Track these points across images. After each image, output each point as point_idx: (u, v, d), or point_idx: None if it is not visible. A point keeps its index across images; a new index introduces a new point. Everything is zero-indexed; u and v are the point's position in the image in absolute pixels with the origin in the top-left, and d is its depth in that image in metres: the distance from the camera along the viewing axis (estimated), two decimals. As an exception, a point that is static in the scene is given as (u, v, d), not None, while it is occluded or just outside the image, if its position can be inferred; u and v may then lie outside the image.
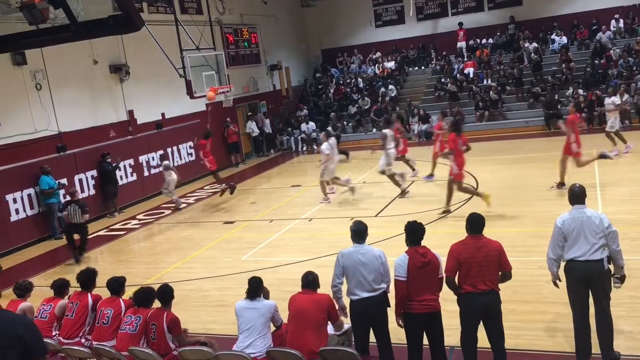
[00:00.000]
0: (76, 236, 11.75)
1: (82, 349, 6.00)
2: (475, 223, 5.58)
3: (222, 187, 15.80)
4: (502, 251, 5.52)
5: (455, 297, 5.66)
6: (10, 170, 13.01)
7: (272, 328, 5.81)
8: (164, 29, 15.10)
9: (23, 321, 3.46)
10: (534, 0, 23.72)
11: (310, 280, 5.69)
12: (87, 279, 6.65)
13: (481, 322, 5.59)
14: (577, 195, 5.73)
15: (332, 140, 14.16)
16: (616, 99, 15.66)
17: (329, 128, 16.04)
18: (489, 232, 5.72)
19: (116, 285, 6.46)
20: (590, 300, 5.67)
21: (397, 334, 5.86)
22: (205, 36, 15.95)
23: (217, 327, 7.28)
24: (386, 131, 13.66)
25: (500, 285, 5.57)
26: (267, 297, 5.98)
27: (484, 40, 24.64)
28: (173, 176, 14.79)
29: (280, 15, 24.67)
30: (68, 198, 12.16)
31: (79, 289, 6.67)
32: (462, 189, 11.71)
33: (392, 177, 13.49)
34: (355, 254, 5.68)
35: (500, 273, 5.54)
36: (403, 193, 13.42)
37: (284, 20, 25.29)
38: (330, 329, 5.73)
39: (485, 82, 22.97)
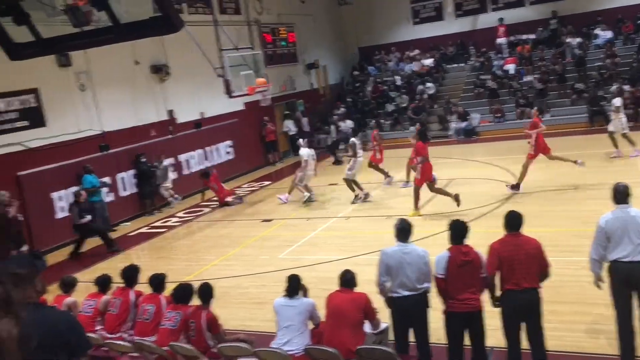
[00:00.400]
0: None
1: (124, 343, 6.15)
2: (513, 221, 5.51)
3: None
4: (541, 248, 5.45)
5: (491, 297, 5.59)
6: (55, 169, 13.40)
7: (311, 326, 5.84)
8: (203, 30, 15.29)
9: (66, 318, 3.55)
10: (577, -6, 23.13)
11: (347, 279, 5.69)
12: (130, 275, 6.81)
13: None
14: (622, 194, 5.59)
15: (312, 151, 14.61)
16: (617, 101, 15.20)
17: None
18: (530, 231, 5.63)
19: (157, 281, 6.60)
20: (635, 301, 5.54)
21: (438, 334, 5.82)
22: (244, 36, 16.11)
23: (256, 324, 7.35)
24: (354, 140, 14.48)
25: (543, 285, 5.48)
26: (306, 295, 6.01)
27: (524, 36, 24.13)
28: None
29: (317, 14, 24.70)
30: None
31: (122, 285, 6.85)
32: (435, 190, 12.22)
33: (349, 182, 13.89)
34: (399, 252, 5.67)
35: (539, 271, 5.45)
36: (356, 198, 13.84)
37: (321, 19, 25.31)
38: (367, 327, 5.73)
39: (526, 78, 22.53)
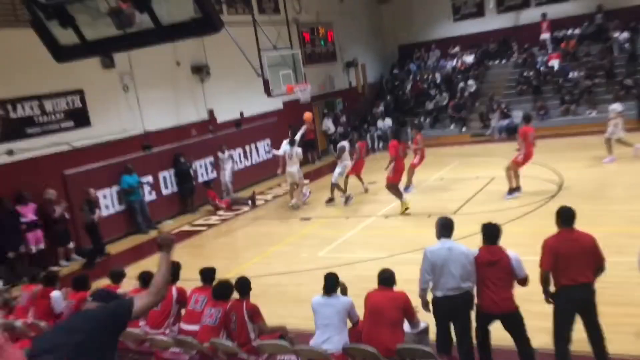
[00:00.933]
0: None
1: (165, 338, 6.25)
2: (567, 216, 5.52)
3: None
4: (596, 243, 5.44)
5: (544, 292, 5.55)
6: (100, 168, 13.74)
7: (349, 325, 5.82)
8: (243, 30, 15.41)
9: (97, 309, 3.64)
10: (624, -13, 22.38)
11: (386, 277, 5.66)
12: (173, 272, 6.91)
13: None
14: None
15: (297, 149, 14.39)
16: (618, 106, 14.92)
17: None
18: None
19: (208, 275, 6.76)
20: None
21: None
22: (282, 35, 16.16)
23: (295, 321, 7.36)
24: (344, 143, 14.65)
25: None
26: (344, 293, 5.99)
27: (569, 31, 23.49)
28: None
29: (356, 12, 24.62)
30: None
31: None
32: (393, 191, 12.57)
33: (336, 186, 14.09)
34: (442, 249, 5.66)
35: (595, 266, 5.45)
36: (330, 201, 14.16)
37: (360, 17, 25.21)
38: (406, 327, 5.68)
39: (571, 74, 21.95)
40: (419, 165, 14.45)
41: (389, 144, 13.07)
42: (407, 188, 14.04)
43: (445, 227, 5.79)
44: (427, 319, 5.96)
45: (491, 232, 5.57)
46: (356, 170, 14.83)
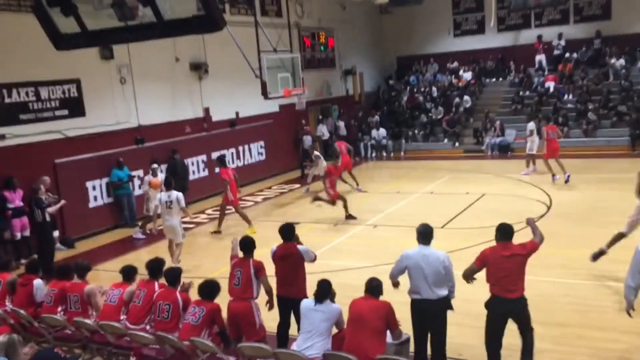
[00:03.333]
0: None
1: (146, 335, 6.21)
2: (504, 232, 5.84)
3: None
4: (526, 259, 5.73)
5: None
6: (91, 159, 13.67)
7: (335, 330, 5.80)
8: (244, 30, 15.43)
9: None
10: (623, 15, 22.61)
11: (374, 286, 5.67)
12: (156, 267, 6.88)
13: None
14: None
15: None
16: (532, 125, 16.84)
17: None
18: (562, 252, 5.54)
19: (172, 276, 6.61)
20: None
21: (460, 350, 5.74)
22: (283, 38, 16.18)
23: (276, 325, 7.32)
24: (317, 153, 15.02)
25: (570, 310, 5.42)
26: (332, 299, 5.99)
27: (566, 54, 23.70)
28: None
29: (357, 21, 24.70)
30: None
31: (147, 278, 6.91)
32: (239, 212, 13.13)
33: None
34: (418, 255, 5.88)
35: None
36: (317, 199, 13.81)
37: (361, 26, 25.29)
38: (388, 337, 5.68)
39: (566, 97, 22.13)
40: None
41: (220, 171, 13.15)
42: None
43: (423, 234, 6.00)
44: (409, 327, 5.98)
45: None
46: (343, 169, 14.89)
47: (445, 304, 5.85)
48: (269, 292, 6.52)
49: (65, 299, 7.03)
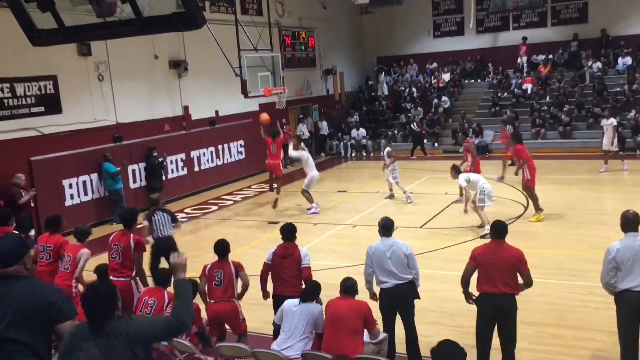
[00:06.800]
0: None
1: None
2: (497, 230, 5.88)
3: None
4: (522, 258, 5.72)
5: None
6: (68, 157, 13.48)
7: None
8: (224, 28, 15.36)
9: (45, 289, 3.68)
10: (600, 18, 22.99)
11: (348, 286, 5.69)
12: (129, 217, 7.37)
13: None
14: (631, 222, 5.54)
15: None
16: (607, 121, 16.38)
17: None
18: (537, 252, 5.62)
19: (163, 278, 6.57)
20: None
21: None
22: (264, 37, 16.14)
23: (255, 325, 7.32)
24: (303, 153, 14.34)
25: (546, 309, 5.49)
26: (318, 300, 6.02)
27: (541, 56, 24.01)
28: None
29: (338, 20, 24.75)
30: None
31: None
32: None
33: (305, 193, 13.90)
34: (381, 246, 6.20)
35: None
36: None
37: (342, 26, 25.35)
38: (366, 337, 5.70)
39: (544, 99, 22.43)
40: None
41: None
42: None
43: (384, 227, 6.32)
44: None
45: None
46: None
47: (412, 288, 6.18)
48: (246, 286, 6.68)
49: (58, 256, 7.34)
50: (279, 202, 14.37)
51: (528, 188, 12.01)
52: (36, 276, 5.15)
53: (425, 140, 22.10)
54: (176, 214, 9.83)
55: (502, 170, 15.78)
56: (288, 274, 6.55)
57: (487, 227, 10.97)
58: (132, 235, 6.99)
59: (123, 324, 3.28)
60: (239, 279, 6.64)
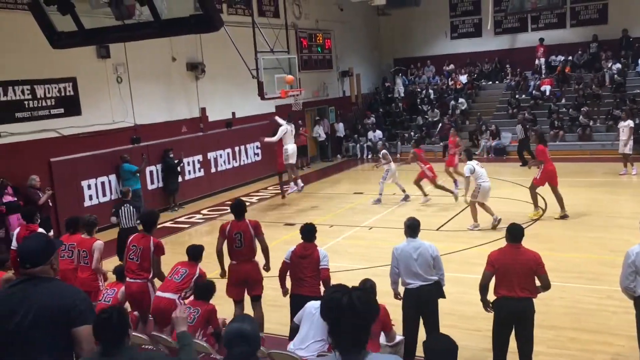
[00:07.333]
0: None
1: (141, 335, 6.20)
2: (514, 233, 5.82)
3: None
4: (539, 261, 5.69)
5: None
6: (87, 158, 13.63)
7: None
8: (241, 30, 15.43)
9: (66, 290, 3.64)
10: (620, 19, 22.71)
11: (367, 288, 5.66)
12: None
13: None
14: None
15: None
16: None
17: None
18: (556, 255, 5.57)
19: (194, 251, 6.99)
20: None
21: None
22: (280, 39, 16.19)
23: (270, 326, 7.34)
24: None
25: (563, 312, 5.43)
26: None
27: (561, 57, 23.78)
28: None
29: (355, 22, 24.73)
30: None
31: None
32: None
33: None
34: (408, 247, 6.21)
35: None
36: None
37: (359, 27, 25.33)
38: (382, 339, 5.69)
39: (562, 101, 22.21)
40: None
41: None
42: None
43: (410, 228, 6.33)
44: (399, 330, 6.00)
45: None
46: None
47: (437, 287, 6.18)
48: (265, 250, 7.14)
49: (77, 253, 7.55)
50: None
51: (533, 186, 12.22)
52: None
53: (442, 143, 21.97)
54: (141, 207, 10.99)
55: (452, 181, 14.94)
56: (306, 274, 6.56)
57: (476, 223, 11.73)
58: (152, 237, 7.03)
59: (133, 353, 3.33)
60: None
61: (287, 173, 15.27)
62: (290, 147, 14.62)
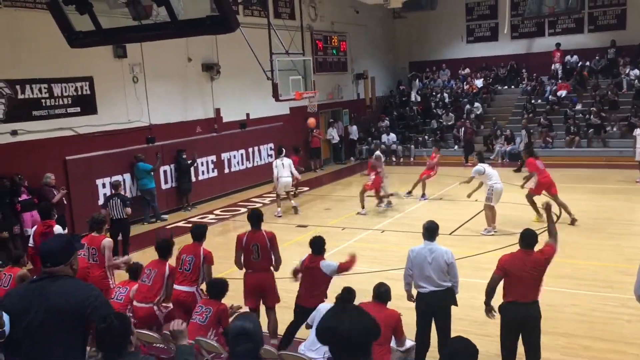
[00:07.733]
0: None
1: (151, 333, 6.23)
2: (527, 239, 5.80)
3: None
4: (547, 264, 5.70)
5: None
6: (102, 157, 13.74)
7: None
8: (257, 32, 15.47)
9: (92, 288, 3.73)
10: (638, 25, 22.47)
11: (381, 292, 5.66)
12: (165, 247, 7.02)
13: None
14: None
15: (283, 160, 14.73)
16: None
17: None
18: (571, 262, 5.53)
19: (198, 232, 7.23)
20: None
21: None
22: (296, 41, 16.20)
23: (283, 327, 7.33)
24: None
25: (577, 320, 5.38)
26: None
27: (575, 57, 23.58)
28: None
29: (370, 25, 24.71)
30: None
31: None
32: None
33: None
34: (423, 251, 6.17)
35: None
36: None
37: (374, 30, 25.31)
38: (393, 343, 5.66)
39: (578, 106, 22.01)
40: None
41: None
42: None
43: (428, 230, 6.30)
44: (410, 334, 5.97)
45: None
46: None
47: (450, 294, 6.13)
48: (278, 261, 7.14)
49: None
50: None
51: (529, 194, 12.30)
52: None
53: (456, 147, 21.88)
54: (128, 200, 11.58)
55: (421, 187, 15.44)
56: (312, 287, 6.65)
57: (490, 227, 11.79)
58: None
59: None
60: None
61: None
62: (282, 181, 14.63)
